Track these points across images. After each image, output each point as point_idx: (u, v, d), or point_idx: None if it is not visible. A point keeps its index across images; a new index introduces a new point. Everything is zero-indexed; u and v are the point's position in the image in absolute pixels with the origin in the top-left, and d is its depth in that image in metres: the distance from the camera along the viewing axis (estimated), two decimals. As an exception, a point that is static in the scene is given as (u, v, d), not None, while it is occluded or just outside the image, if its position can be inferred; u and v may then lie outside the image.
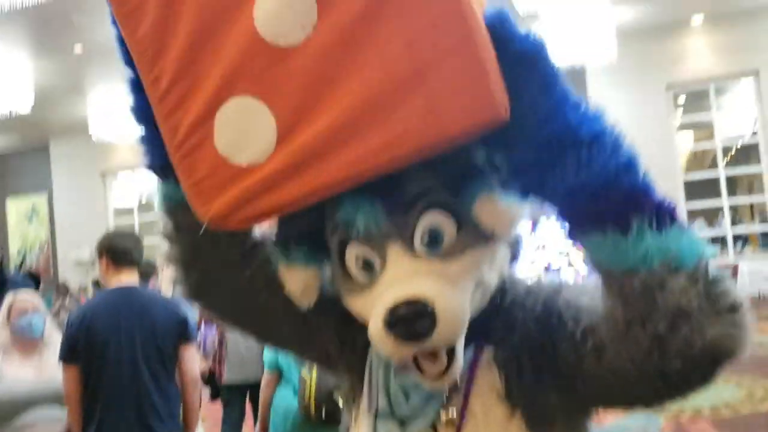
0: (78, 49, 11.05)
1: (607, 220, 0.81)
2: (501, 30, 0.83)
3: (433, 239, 0.91)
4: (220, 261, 1.06)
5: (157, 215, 1.12)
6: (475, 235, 0.92)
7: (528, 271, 5.48)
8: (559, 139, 0.82)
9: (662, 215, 0.81)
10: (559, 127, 0.82)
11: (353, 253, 0.95)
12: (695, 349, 0.79)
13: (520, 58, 0.83)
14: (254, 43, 0.87)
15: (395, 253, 0.91)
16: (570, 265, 6.82)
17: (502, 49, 0.82)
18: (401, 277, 0.89)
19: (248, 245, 1.07)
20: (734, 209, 14.84)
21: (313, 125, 0.85)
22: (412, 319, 0.84)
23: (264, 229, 1.10)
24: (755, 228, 13.77)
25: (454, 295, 0.88)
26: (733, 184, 15.11)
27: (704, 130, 13.61)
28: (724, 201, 12.73)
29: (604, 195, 0.81)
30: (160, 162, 1.01)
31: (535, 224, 12.57)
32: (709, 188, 12.88)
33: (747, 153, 13.29)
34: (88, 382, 2.90)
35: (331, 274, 1.02)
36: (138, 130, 1.04)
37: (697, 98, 13.30)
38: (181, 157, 0.94)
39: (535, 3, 8.82)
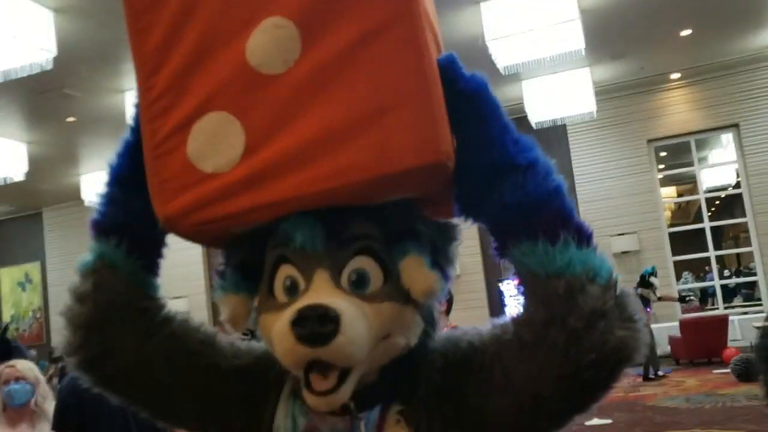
0: (71, 119, 11.27)
1: (539, 231, 0.91)
2: (449, 71, 0.94)
3: (360, 281, 0.96)
4: (128, 328, 1.06)
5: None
6: (397, 293, 0.96)
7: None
8: (499, 164, 0.93)
9: (582, 235, 0.92)
10: (498, 155, 0.93)
11: (283, 273, 0.98)
12: (608, 345, 0.87)
13: (465, 95, 0.94)
14: (241, 67, 0.97)
15: (321, 279, 0.95)
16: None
17: (450, 87, 0.93)
18: (318, 294, 0.93)
19: (158, 318, 1.09)
20: (721, 261, 14.99)
21: (278, 144, 0.94)
22: (317, 320, 0.87)
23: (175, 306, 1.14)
24: (742, 279, 13.90)
25: (361, 322, 0.91)
26: (718, 236, 15.30)
27: (688, 184, 13.84)
28: (711, 253, 12.87)
29: (536, 211, 0.91)
30: (115, 222, 1.07)
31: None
32: (695, 241, 13.04)
33: (731, 205, 13.48)
34: (80, 449, 2.93)
35: (258, 299, 1.04)
36: (103, 188, 1.10)
37: (679, 152, 13.57)
38: (155, 157, 1.01)
39: (515, 60, 9.11)
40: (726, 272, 15.38)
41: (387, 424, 0.98)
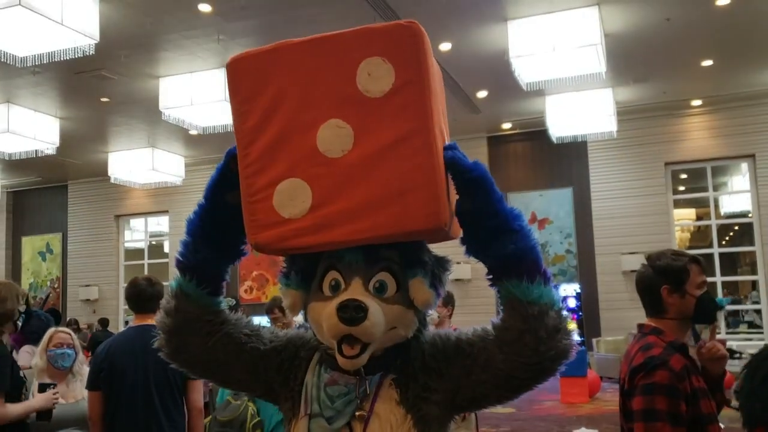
0: (105, 99, 11.66)
1: (523, 273, 1.36)
2: (460, 164, 1.36)
3: (380, 288, 1.41)
4: (197, 332, 1.53)
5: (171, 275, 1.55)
6: (404, 300, 1.43)
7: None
8: (500, 227, 1.37)
9: (547, 278, 1.39)
10: (500, 221, 1.37)
11: (331, 277, 1.44)
12: (560, 347, 1.36)
13: (472, 180, 1.36)
14: (312, 150, 1.40)
15: (356, 284, 1.41)
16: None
17: (460, 175, 1.36)
18: (354, 294, 1.39)
19: (218, 322, 1.55)
20: (735, 288, 15.10)
21: (334, 206, 1.38)
22: (354, 309, 1.33)
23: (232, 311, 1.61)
24: (742, 306, 14.02)
25: (380, 314, 1.37)
26: (733, 262, 15.37)
27: (707, 207, 13.94)
28: (718, 278, 13.04)
29: (522, 260, 1.37)
30: (189, 264, 1.53)
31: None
32: (708, 264, 13.08)
33: (749, 232, 13.51)
34: (107, 406, 3.34)
35: (310, 293, 1.48)
36: (187, 241, 1.54)
37: (700, 175, 13.69)
38: (250, 203, 1.44)
39: (537, 78, 9.36)
40: (734, 299, 15.51)
41: (383, 386, 1.44)
